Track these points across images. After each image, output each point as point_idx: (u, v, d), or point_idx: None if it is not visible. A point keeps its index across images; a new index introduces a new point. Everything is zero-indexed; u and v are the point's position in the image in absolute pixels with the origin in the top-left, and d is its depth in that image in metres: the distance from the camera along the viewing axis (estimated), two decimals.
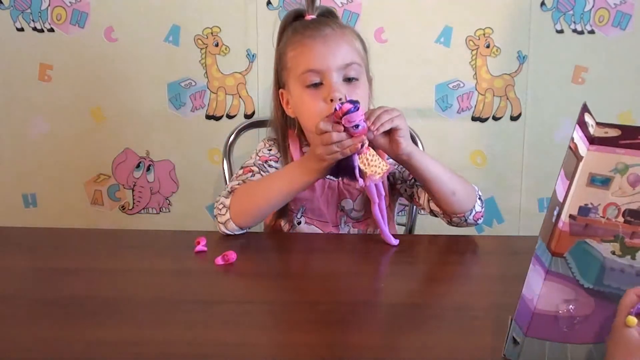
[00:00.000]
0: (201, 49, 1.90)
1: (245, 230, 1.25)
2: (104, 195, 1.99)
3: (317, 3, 1.33)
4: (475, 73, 1.91)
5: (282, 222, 1.35)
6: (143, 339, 0.88)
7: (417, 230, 1.62)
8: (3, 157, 1.97)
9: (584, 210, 0.69)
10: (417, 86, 1.90)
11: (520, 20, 1.88)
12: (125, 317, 0.94)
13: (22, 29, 1.90)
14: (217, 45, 1.89)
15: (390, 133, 1.14)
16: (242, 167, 1.34)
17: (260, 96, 1.92)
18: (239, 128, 1.65)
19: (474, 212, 1.25)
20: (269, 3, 1.87)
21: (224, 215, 1.23)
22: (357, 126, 1.11)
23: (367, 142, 1.12)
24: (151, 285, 1.06)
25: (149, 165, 1.97)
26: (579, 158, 0.68)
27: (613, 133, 0.67)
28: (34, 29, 1.90)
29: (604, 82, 1.90)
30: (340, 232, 1.35)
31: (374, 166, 1.12)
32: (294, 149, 1.35)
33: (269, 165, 1.34)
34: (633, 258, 0.70)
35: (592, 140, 0.67)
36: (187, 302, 0.99)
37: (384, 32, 1.88)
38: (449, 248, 1.28)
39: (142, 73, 1.91)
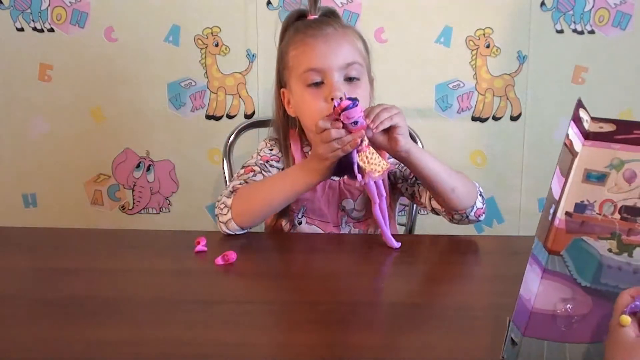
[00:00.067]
0: (201, 49, 1.90)
1: (246, 230, 1.25)
2: (104, 195, 1.99)
3: (319, 3, 1.33)
4: (475, 73, 1.91)
5: (283, 222, 1.35)
6: (143, 339, 0.88)
7: (417, 230, 1.62)
8: (3, 157, 1.97)
9: (580, 207, 0.69)
10: (417, 86, 1.90)
11: (520, 20, 1.88)
12: (125, 317, 0.94)
13: (22, 29, 1.90)
14: (217, 45, 1.89)
15: (389, 131, 1.15)
16: (243, 167, 1.34)
17: (260, 96, 1.92)
18: (239, 128, 1.65)
19: (475, 209, 1.25)
20: (269, 3, 1.87)
21: (225, 215, 1.23)
22: (355, 123, 1.11)
23: (367, 140, 1.12)
24: (151, 285, 1.05)
25: (149, 165, 1.97)
26: (574, 154, 0.67)
27: (608, 128, 0.66)
28: (34, 29, 1.90)
29: (604, 82, 1.90)
30: (341, 232, 1.35)
31: (374, 164, 1.12)
32: (295, 149, 1.35)
33: (271, 165, 1.35)
34: (630, 255, 0.70)
35: (587, 136, 0.66)
36: (187, 302, 0.99)
37: (384, 32, 1.88)
38: (449, 248, 1.28)
39: (142, 73, 1.91)
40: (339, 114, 1.11)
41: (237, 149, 1.63)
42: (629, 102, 1.91)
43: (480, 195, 1.27)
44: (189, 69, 1.91)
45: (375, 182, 1.14)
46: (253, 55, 1.90)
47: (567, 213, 0.69)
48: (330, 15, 1.33)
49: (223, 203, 1.25)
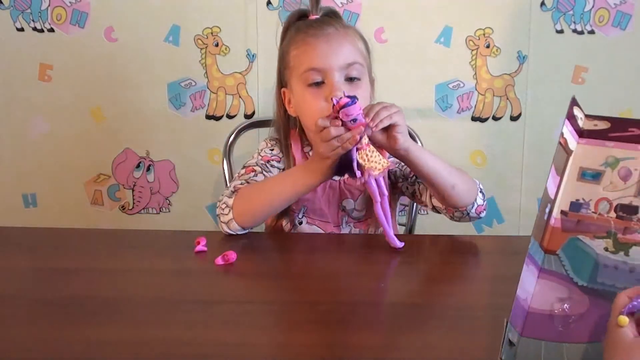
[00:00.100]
0: (201, 49, 1.90)
1: (247, 230, 1.25)
2: (104, 195, 1.99)
3: (321, 3, 1.33)
4: (475, 73, 1.91)
5: (284, 222, 1.35)
6: (143, 339, 0.88)
7: (417, 230, 1.62)
8: (3, 157, 1.97)
9: (575, 206, 0.68)
10: (417, 86, 1.90)
11: (520, 20, 1.88)
12: (125, 317, 0.94)
13: (22, 29, 1.90)
14: (217, 45, 1.89)
15: (388, 129, 1.15)
16: (244, 167, 1.34)
17: (260, 96, 1.92)
18: (239, 128, 1.65)
19: (475, 206, 1.25)
20: (269, 3, 1.87)
21: (226, 215, 1.23)
22: (355, 120, 1.11)
23: (367, 138, 1.12)
24: (151, 285, 1.05)
25: (149, 165, 1.97)
26: (568, 153, 0.67)
27: (602, 125, 0.66)
28: (34, 29, 1.90)
29: (604, 82, 1.90)
30: (341, 232, 1.35)
31: (374, 162, 1.12)
32: (295, 149, 1.36)
33: (272, 165, 1.35)
34: (627, 254, 0.69)
35: (582, 134, 0.66)
36: (187, 302, 0.99)
37: (384, 32, 1.88)
38: (449, 248, 1.28)
39: (142, 73, 1.91)
40: (338, 112, 1.11)
41: (237, 149, 1.63)
42: (629, 102, 1.91)
43: (481, 191, 1.27)
44: (189, 69, 1.91)
45: (376, 181, 1.14)
46: (253, 55, 1.90)
47: (562, 212, 0.69)
48: (331, 15, 1.33)
49: (224, 203, 1.25)
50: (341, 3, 1.86)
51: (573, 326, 0.73)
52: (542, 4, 1.87)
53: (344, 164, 1.15)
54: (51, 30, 1.89)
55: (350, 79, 1.25)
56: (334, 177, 1.29)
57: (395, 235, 1.20)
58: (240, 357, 0.84)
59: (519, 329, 0.74)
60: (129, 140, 1.96)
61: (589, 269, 0.71)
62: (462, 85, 1.91)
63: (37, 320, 0.94)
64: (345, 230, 1.36)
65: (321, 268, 1.16)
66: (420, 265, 1.20)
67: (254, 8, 1.87)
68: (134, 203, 2.00)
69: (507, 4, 1.87)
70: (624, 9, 1.86)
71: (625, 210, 0.68)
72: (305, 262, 1.21)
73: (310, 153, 1.36)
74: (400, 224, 1.55)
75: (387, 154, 1.22)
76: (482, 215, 1.27)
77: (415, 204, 1.55)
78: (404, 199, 1.46)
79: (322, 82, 1.24)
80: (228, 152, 1.61)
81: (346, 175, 1.24)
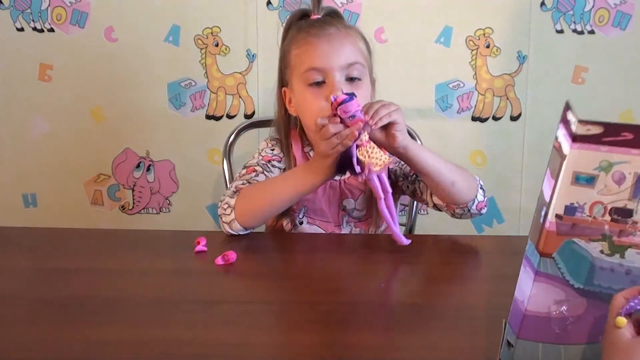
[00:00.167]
0: (201, 49, 1.90)
1: (250, 231, 1.25)
2: (104, 195, 1.99)
3: (322, 3, 1.33)
4: (475, 73, 1.91)
5: (284, 222, 1.35)
6: (143, 339, 0.88)
7: (417, 230, 1.62)
8: (3, 157, 1.97)
9: (570, 210, 0.69)
10: (417, 86, 1.90)
11: (520, 20, 1.88)
12: (125, 317, 0.94)
13: (22, 29, 1.90)
14: (217, 45, 1.89)
15: (387, 127, 1.15)
16: (245, 167, 1.34)
17: (260, 96, 1.92)
18: (239, 128, 1.65)
19: (476, 202, 1.25)
20: (269, 3, 1.87)
21: (228, 215, 1.23)
22: (353, 117, 1.11)
23: (367, 135, 1.12)
24: (151, 285, 1.05)
25: (149, 165, 1.97)
26: (562, 156, 0.67)
27: (596, 130, 0.66)
28: (34, 29, 1.90)
29: (604, 82, 1.90)
30: (342, 232, 1.35)
31: (375, 158, 1.12)
32: (296, 149, 1.36)
33: (272, 165, 1.35)
34: (622, 257, 0.70)
35: (575, 138, 0.66)
36: (187, 302, 0.99)
37: (384, 32, 1.88)
38: (449, 248, 1.28)
39: (142, 73, 1.91)
40: (336, 109, 1.11)
41: (237, 149, 1.63)
42: (629, 102, 1.91)
43: (481, 188, 1.27)
44: (189, 69, 1.91)
45: (379, 178, 1.13)
46: (253, 55, 1.90)
47: (557, 215, 0.69)
48: (333, 15, 1.33)
49: (226, 203, 1.24)
50: (341, 3, 1.86)
51: (570, 328, 0.73)
52: (542, 4, 1.87)
53: (346, 162, 1.15)
54: (51, 30, 1.89)
55: (351, 79, 1.25)
56: (336, 176, 1.29)
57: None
58: (240, 357, 0.84)
59: (516, 331, 0.74)
60: (129, 140, 1.96)
61: (585, 272, 0.71)
62: (462, 85, 1.91)
63: (37, 320, 0.94)
64: (345, 230, 1.36)
65: (321, 268, 1.16)
66: (420, 265, 1.20)
67: (254, 8, 1.87)
68: (134, 203, 2.00)
69: (507, 4, 1.87)
70: (624, 9, 1.86)
71: (619, 214, 0.68)
72: (305, 262, 1.21)
73: (311, 153, 1.36)
74: (400, 224, 1.54)
75: (388, 153, 1.22)
76: (483, 211, 1.27)
77: (415, 204, 1.55)
78: (404, 199, 1.46)
79: (323, 82, 1.24)
80: (228, 152, 1.61)
81: (348, 174, 1.24)
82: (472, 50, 1.89)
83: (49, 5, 1.88)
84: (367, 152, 1.12)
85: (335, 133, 1.11)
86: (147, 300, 1.00)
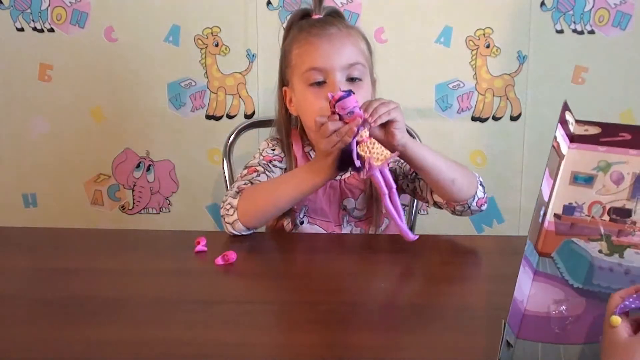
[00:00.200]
0: (201, 49, 1.90)
1: (252, 231, 1.25)
2: (104, 195, 1.99)
3: (324, 3, 1.34)
4: (475, 73, 1.91)
5: (285, 222, 1.35)
6: (143, 339, 0.88)
7: (417, 230, 1.61)
8: (3, 157, 1.97)
9: (568, 210, 0.69)
10: (417, 86, 1.90)
11: (520, 20, 1.88)
12: (125, 317, 0.94)
13: (22, 29, 1.90)
14: (217, 45, 1.89)
15: (386, 125, 1.15)
16: (246, 167, 1.34)
17: (260, 96, 1.92)
18: (239, 128, 1.65)
19: (476, 199, 1.25)
20: (269, 3, 1.87)
21: (231, 215, 1.23)
22: (351, 113, 1.11)
23: (367, 132, 1.12)
24: (151, 285, 1.05)
25: (149, 165, 1.97)
26: (561, 157, 0.68)
27: (593, 131, 0.66)
28: (34, 29, 1.90)
29: (604, 82, 1.90)
30: (343, 231, 1.35)
31: (375, 153, 1.12)
32: (296, 149, 1.36)
33: (274, 165, 1.35)
34: (621, 256, 0.70)
35: (572, 138, 0.66)
36: (187, 302, 0.99)
37: (384, 32, 1.88)
38: (449, 248, 1.28)
39: (142, 73, 1.91)
40: (334, 107, 1.11)
41: (237, 149, 1.63)
42: (629, 102, 1.91)
43: (481, 184, 1.27)
44: (189, 69, 1.91)
45: (382, 174, 1.13)
46: (253, 55, 1.90)
47: (556, 215, 0.69)
48: (334, 15, 1.33)
49: (229, 204, 1.24)
50: (341, 3, 1.86)
51: (570, 328, 0.73)
52: (542, 4, 1.87)
53: (347, 160, 1.14)
54: (51, 30, 1.89)
55: (351, 79, 1.25)
56: (338, 175, 1.28)
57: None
58: (240, 357, 0.84)
59: (516, 331, 0.74)
60: (129, 140, 1.96)
61: (584, 271, 0.71)
62: (462, 85, 1.91)
63: (37, 320, 0.94)
64: (346, 229, 1.36)
65: (321, 268, 1.16)
66: (420, 265, 1.20)
67: (254, 8, 1.87)
68: (134, 203, 2.00)
69: (507, 4, 1.87)
70: (624, 9, 1.86)
71: (618, 213, 0.69)
72: (305, 262, 1.22)
73: (311, 153, 1.36)
74: None
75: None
76: (484, 208, 1.27)
77: (415, 203, 1.55)
78: (404, 198, 1.46)
79: (324, 82, 1.24)
80: (228, 152, 1.61)
81: (350, 173, 1.24)
82: (472, 50, 1.89)
83: (49, 5, 1.88)
84: (368, 147, 1.12)
85: (334, 130, 1.11)
86: (147, 300, 1.00)
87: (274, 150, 1.37)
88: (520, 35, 1.88)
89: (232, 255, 1.13)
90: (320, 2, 1.33)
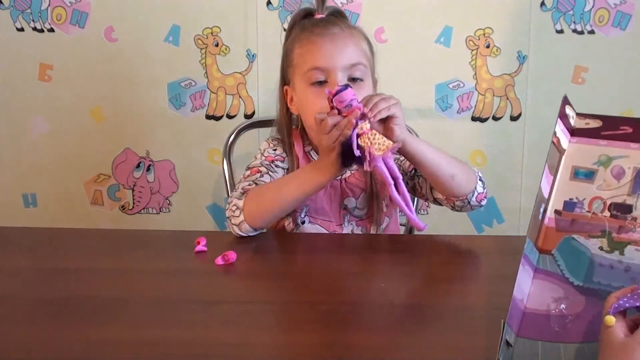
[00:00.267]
0: (201, 49, 1.90)
1: (258, 232, 1.25)
2: (104, 195, 1.99)
3: (326, 3, 1.34)
4: (475, 73, 1.91)
5: (286, 222, 1.35)
6: (143, 339, 0.88)
7: (417, 230, 1.62)
8: (3, 157, 1.97)
9: (569, 205, 0.69)
10: (417, 86, 1.90)
11: (520, 20, 1.88)
12: (125, 317, 0.94)
13: (22, 29, 1.90)
14: (217, 45, 1.89)
15: (386, 121, 1.15)
16: (248, 168, 1.34)
17: (260, 96, 1.92)
18: (239, 128, 1.65)
19: (476, 194, 1.26)
20: (269, 3, 1.87)
21: (237, 217, 1.23)
22: (350, 106, 1.11)
23: (368, 124, 1.12)
24: (151, 285, 1.05)
25: (149, 165, 1.97)
26: (561, 152, 0.67)
27: (594, 124, 0.66)
28: (34, 29, 1.90)
29: (604, 82, 1.90)
30: (344, 231, 1.35)
31: (377, 144, 1.11)
32: (297, 149, 1.36)
33: (276, 165, 1.35)
34: (622, 253, 0.69)
35: (573, 132, 0.66)
36: (187, 302, 0.99)
37: (384, 32, 1.88)
38: (448, 248, 1.28)
39: (142, 73, 1.91)
40: (332, 101, 1.12)
41: (237, 149, 1.63)
42: (629, 102, 1.91)
43: (480, 180, 1.27)
44: (189, 69, 1.91)
45: (386, 165, 1.12)
46: (253, 55, 1.90)
47: (556, 211, 0.69)
48: (337, 15, 1.33)
49: (234, 205, 1.24)
50: (341, 3, 1.86)
51: (570, 326, 0.73)
52: (542, 4, 1.87)
53: (351, 155, 1.13)
54: (51, 30, 1.89)
55: (353, 79, 1.25)
56: (344, 172, 1.28)
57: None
58: (240, 357, 0.84)
59: (516, 330, 0.74)
60: (129, 140, 1.96)
61: (585, 269, 0.71)
62: (462, 85, 1.91)
63: (37, 320, 0.94)
64: (347, 228, 1.36)
65: (321, 268, 1.16)
66: (420, 265, 1.20)
67: (254, 8, 1.87)
68: (134, 203, 2.00)
69: (507, 4, 1.87)
70: (624, 9, 1.86)
71: (619, 209, 0.68)
72: (305, 262, 1.22)
73: (312, 153, 1.36)
74: (400, 224, 1.54)
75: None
76: (483, 203, 1.28)
77: (415, 203, 1.55)
78: None
79: (325, 82, 1.25)
80: (228, 152, 1.61)
81: (355, 167, 1.23)
82: (472, 50, 1.89)
83: (49, 5, 1.88)
84: (369, 139, 1.11)
85: (334, 124, 1.12)
86: (147, 300, 1.00)
87: (275, 150, 1.37)
88: (520, 35, 1.88)
89: (232, 255, 1.13)
90: (323, 2, 1.33)
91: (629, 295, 0.68)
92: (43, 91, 1.92)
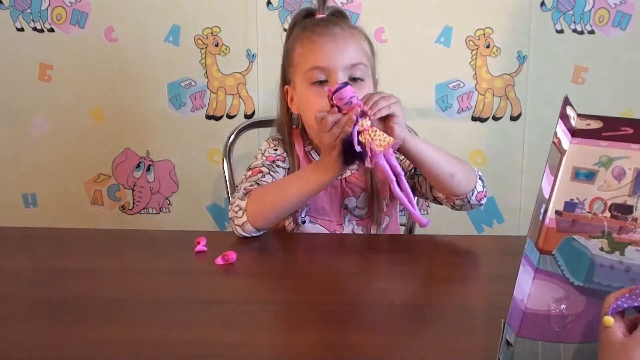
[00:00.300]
0: (201, 49, 1.90)
1: (261, 232, 1.25)
2: (104, 195, 1.99)
3: (328, 2, 1.34)
4: (475, 73, 1.91)
5: (287, 222, 1.35)
6: (143, 339, 0.88)
7: (417, 230, 1.62)
8: (3, 157, 1.97)
9: (570, 206, 0.69)
10: (417, 86, 1.90)
11: (520, 20, 1.88)
12: (125, 317, 0.94)
13: (22, 29, 1.90)
14: (217, 45, 1.89)
15: (386, 119, 1.15)
16: (250, 169, 1.34)
17: (260, 96, 1.92)
18: (239, 128, 1.65)
19: (475, 193, 1.26)
20: (269, 3, 1.87)
21: (240, 217, 1.23)
22: (349, 103, 1.11)
23: (369, 122, 1.12)
24: (151, 285, 1.05)
25: (149, 165, 1.97)
26: (562, 152, 0.67)
27: (595, 125, 0.66)
28: (34, 29, 1.90)
29: (604, 82, 1.90)
30: (344, 230, 1.35)
31: (378, 140, 1.11)
32: (298, 148, 1.36)
33: (277, 165, 1.35)
34: (622, 254, 0.70)
35: (574, 133, 0.66)
36: (187, 302, 0.99)
37: (384, 32, 1.88)
38: (448, 248, 1.28)
39: (142, 73, 1.91)
40: (332, 100, 1.12)
41: (237, 149, 1.63)
42: (629, 102, 1.91)
43: (480, 179, 1.28)
44: (189, 69, 1.91)
45: (388, 161, 1.12)
46: (253, 55, 1.90)
47: (557, 212, 0.69)
48: (338, 15, 1.34)
49: (237, 206, 1.24)
50: (341, 3, 1.86)
51: (570, 326, 0.73)
52: (542, 4, 1.87)
53: (353, 153, 1.13)
54: (51, 30, 1.89)
55: (353, 79, 1.25)
56: (346, 171, 1.28)
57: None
58: (240, 357, 0.84)
59: (516, 330, 0.74)
60: (129, 140, 1.96)
61: (585, 269, 0.71)
62: (462, 85, 1.91)
63: (37, 320, 0.94)
64: (348, 228, 1.36)
65: (321, 268, 1.16)
66: (420, 265, 1.20)
67: (254, 8, 1.87)
68: (134, 203, 2.00)
69: (507, 4, 1.87)
70: (624, 9, 1.86)
71: (619, 210, 0.68)
72: (306, 262, 1.22)
73: (312, 153, 1.36)
74: (400, 224, 1.54)
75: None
76: (483, 202, 1.28)
77: (415, 203, 1.55)
78: None
79: (326, 81, 1.25)
80: (228, 152, 1.61)
81: (357, 165, 1.23)
82: (472, 50, 1.89)
83: (49, 5, 1.88)
84: (370, 135, 1.11)
85: (334, 122, 1.12)
86: (147, 300, 1.00)
87: (276, 150, 1.37)
88: (520, 35, 1.88)
89: (232, 255, 1.13)
90: (324, 2, 1.33)
91: (627, 295, 0.68)
92: (43, 91, 1.92)
